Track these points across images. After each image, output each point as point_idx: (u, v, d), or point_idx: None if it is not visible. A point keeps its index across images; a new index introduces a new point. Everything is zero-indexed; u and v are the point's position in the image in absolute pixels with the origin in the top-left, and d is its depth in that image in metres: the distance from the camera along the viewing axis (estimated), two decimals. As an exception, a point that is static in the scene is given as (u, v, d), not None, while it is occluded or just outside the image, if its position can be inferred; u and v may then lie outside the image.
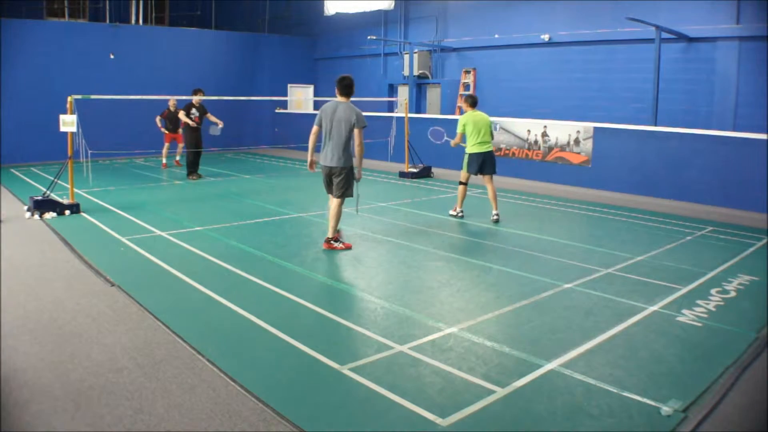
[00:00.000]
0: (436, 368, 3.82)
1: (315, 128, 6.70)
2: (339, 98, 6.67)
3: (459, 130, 8.43)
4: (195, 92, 12.39)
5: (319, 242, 7.18)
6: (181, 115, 12.15)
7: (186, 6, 21.78)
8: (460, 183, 8.64)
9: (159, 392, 3.48)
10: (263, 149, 19.03)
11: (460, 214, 8.69)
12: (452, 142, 8.69)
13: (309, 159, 6.87)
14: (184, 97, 13.18)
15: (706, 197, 10.13)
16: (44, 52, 15.67)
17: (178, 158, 14.62)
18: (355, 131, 6.54)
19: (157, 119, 14.00)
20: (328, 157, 6.63)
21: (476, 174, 8.46)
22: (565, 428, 3.16)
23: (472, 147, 8.37)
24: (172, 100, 13.69)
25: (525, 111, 14.49)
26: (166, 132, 13.97)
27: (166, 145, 14.25)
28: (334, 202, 6.76)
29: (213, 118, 12.48)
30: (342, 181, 6.66)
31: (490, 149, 8.40)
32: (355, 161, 6.70)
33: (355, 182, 6.82)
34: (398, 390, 3.50)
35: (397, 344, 4.17)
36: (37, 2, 17.86)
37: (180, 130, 13.12)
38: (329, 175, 6.73)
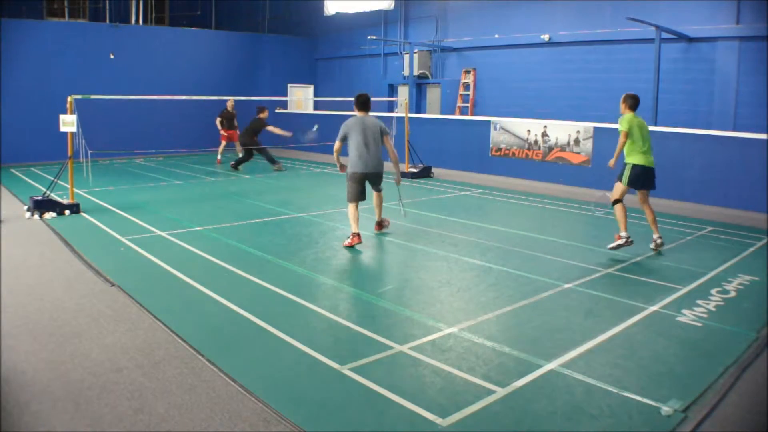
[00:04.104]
0: (436, 368, 3.82)
1: (339, 144, 7.11)
2: (359, 113, 7.12)
3: (623, 128, 6.55)
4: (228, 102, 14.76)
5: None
6: (217, 121, 14.43)
7: (186, 6, 21.75)
8: (616, 201, 6.81)
9: (159, 392, 3.48)
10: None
11: (629, 242, 6.66)
12: (615, 155, 6.67)
13: (339, 164, 7.31)
14: (186, 97, 13.21)
15: (706, 197, 10.12)
16: (44, 52, 15.65)
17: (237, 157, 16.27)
18: (386, 138, 7.13)
19: (217, 121, 14.91)
20: (369, 164, 7.03)
21: (638, 189, 6.84)
22: (565, 428, 3.17)
23: (637, 156, 6.66)
24: (230, 101, 14.71)
25: (525, 111, 14.49)
26: (224, 132, 14.90)
27: (223, 143, 15.18)
28: (377, 193, 7.44)
29: (221, 130, 14.87)
30: (381, 179, 7.33)
31: (653, 163, 6.81)
32: (394, 166, 7.32)
33: (396, 186, 7.69)
34: (398, 390, 3.50)
35: (397, 344, 4.17)
36: (37, 2, 17.84)
37: (236, 130, 14.72)
38: (367, 179, 7.14)
